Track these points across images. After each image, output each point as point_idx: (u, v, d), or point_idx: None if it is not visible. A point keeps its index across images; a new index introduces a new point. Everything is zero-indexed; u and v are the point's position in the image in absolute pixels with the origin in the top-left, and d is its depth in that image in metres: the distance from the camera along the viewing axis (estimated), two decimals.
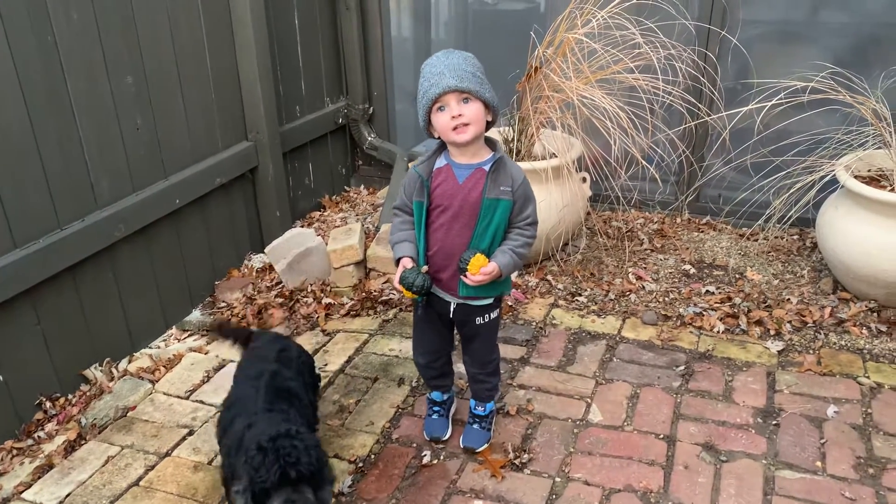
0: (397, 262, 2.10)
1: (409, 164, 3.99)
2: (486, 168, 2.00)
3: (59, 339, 2.63)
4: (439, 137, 2.03)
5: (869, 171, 3.04)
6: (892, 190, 2.86)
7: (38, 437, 2.50)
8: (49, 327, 2.59)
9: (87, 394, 2.69)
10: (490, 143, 2.06)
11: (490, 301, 2.16)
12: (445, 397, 2.44)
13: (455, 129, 1.94)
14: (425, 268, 2.06)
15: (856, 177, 2.92)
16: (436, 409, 2.43)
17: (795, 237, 3.58)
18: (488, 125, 2.02)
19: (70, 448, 2.44)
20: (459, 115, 1.92)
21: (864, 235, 2.84)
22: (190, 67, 3.06)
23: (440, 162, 2.05)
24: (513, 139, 3.27)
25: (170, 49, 2.95)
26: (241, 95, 3.40)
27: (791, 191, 3.09)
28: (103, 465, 2.36)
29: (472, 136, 1.95)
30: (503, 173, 2.00)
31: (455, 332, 2.31)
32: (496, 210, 1.99)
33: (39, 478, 2.32)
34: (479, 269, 1.98)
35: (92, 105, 2.62)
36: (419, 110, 1.98)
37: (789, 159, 3.14)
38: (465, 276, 2.00)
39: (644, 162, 3.05)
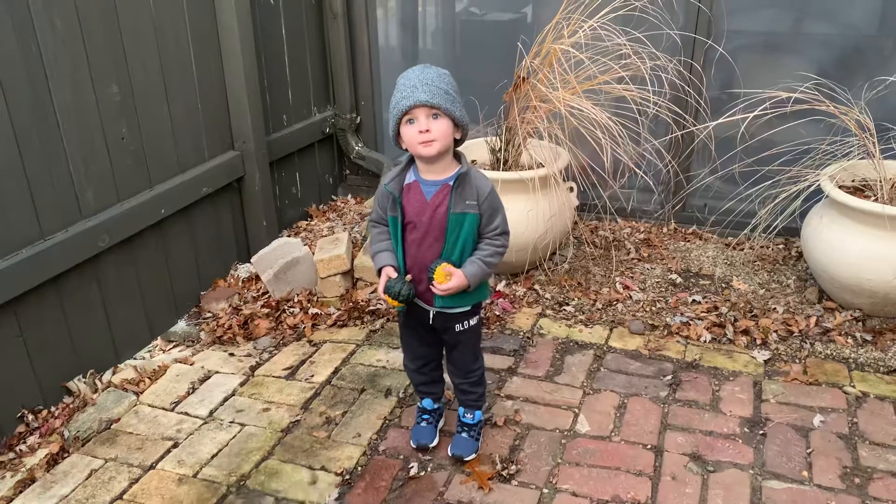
0: (379, 271, 2.13)
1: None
2: (451, 183, 2.03)
3: (41, 351, 2.60)
4: (406, 149, 2.05)
5: (853, 181, 3.07)
6: (876, 200, 2.88)
7: (20, 450, 2.46)
8: (32, 339, 2.55)
9: (71, 406, 2.66)
10: (457, 157, 2.08)
11: (468, 308, 2.18)
12: (436, 406, 2.44)
13: (421, 143, 1.97)
14: (409, 276, 2.09)
15: (840, 187, 2.94)
16: (425, 416, 2.42)
17: (781, 247, 3.60)
18: (457, 142, 2.05)
19: (52, 461, 2.41)
20: (427, 131, 1.95)
21: (848, 245, 2.86)
22: (176, 76, 3.05)
23: (409, 178, 2.07)
24: (500, 149, 3.27)
25: (155, 58, 2.93)
26: (228, 104, 3.38)
27: (776, 200, 3.11)
28: (86, 479, 2.33)
29: (437, 151, 1.98)
30: (468, 187, 2.03)
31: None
32: (463, 224, 2.03)
33: (21, 492, 2.29)
34: (445, 277, 2.02)
35: (76, 114, 2.60)
36: (390, 120, 2.01)
37: (775, 169, 3.16)
38: (432, 285, 2.04)
39: (635, 169, 3.05)
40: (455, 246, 2.05)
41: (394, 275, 2.08)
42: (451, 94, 1.97)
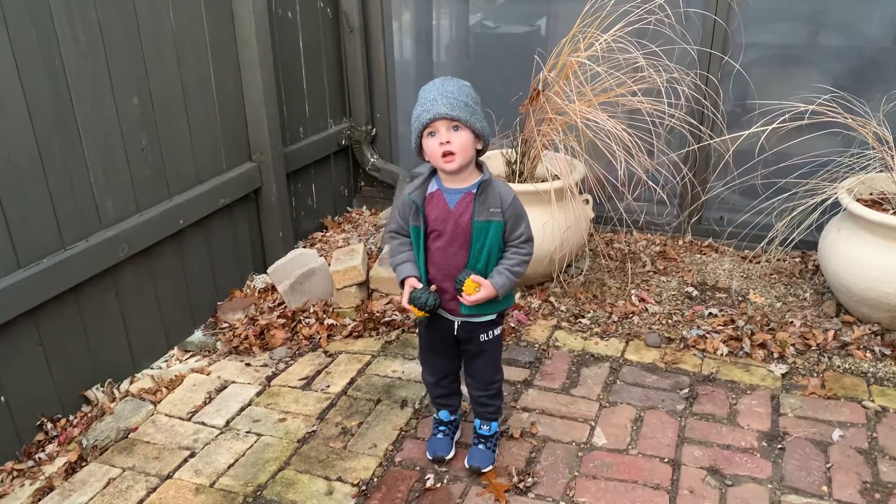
0: (401, 283, 2.13)
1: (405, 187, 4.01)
2: (474, 192, 2.04)
3: (60, 360, 2.62)
4: (429, 161, 2.07)
5: (871, 194, 3.06)
6: (894, 213, 2.86)
7: (39, 458, 2.48)
8: (51, 348, 2.58)
9: (89, 415, 2.68)
10: (479, 166, 2.10)
11: (493, 317, 2.19)
12: (452, 418, 2.44)
13: (443, 156, 1.98)
14: (434, 286, 2.10)
15: (858, 200, 2.93)
16: (441, 428, 2.42)
17: (798, 260, 3.58)
18: (479, 153, 2.07)
19: (71, 470, 2.43)
20: (447, 143, 1.97)
21: (866, 258, 2.84)
22: (195, 89, 3.08)
23: (432, 187, 2.09)
24: (516, 161, 3.28)
25: (175, 70, 2.96)
26: (246, 117, 3.41)
27: (793, 213, 3.10)
28: (104, 488, 2.34)
29: (459, 165, 2.00)
30: (491, 195, 2.04)
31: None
32: (488, 232, 2.04)
33: (40, 500, 2.30)
34: (474, 289, 2.03)
35: (98, 126, 2.64)
36: (412, 133, 2.03)
37: (791, 182, 3.15)
38: (461, 296, 2.06)
39: (650, 183, 3.06)
40: (481, 254, 2.06)
41: (418, 285, 2.09)
42: (472, 105, 1.99)
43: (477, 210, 2.03)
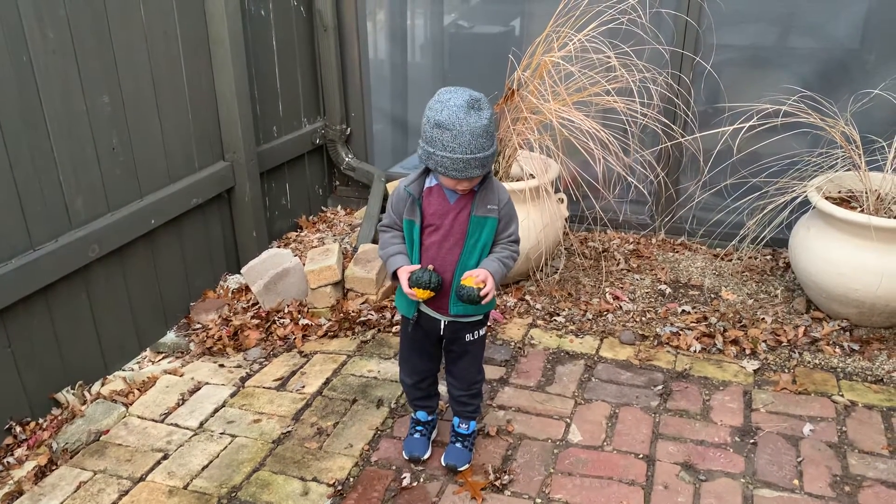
0: (394, 274, 2.10)
1: (390, 183, 4.00)
2: (475, 188, 2.04)
3: (30, 362, 2.58)
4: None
5: (839, 192, 3.11)
6: (862, 211, 2.92)
7: (8, 462, 2.44)
8: (20, 350, 2.53)
9: (59, 418, 2.63)
10: None
11: (480, 317, 2.20)
12: (430, 418, 2.43)
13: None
14: (432, 266, 2.08)
15: (827, 198, 2.98)
16: (419, 428, 2.42)
17: (769, 257, 3.63)
18: None
19: (41, 474, 2.38)
20: (468, 185, 2.00)
21: (835, 255, 2.89)
22: (167, 87, 3.05)
23: (430, 181, 2.07)
24: None
25: (146, 68, 2.93)
26: (218, 115, 3.38)
27: (764, 212, 3.14)
28: (75, 491, 2.30)
29: (471, 188, 2.03)
30: (490, 192, 2.05)
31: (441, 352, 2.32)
32: (484, 227, 2.05)
33: None
34: (476, 284, 2.01)
35: (67, 124, 2.59)
36: (424, 159, 1.96)
37: (762, 181, 3.20)
38: (479, 298, 2.01)
39: (628, 179, 3.08)
40: (474, 249, 2.06)
41: (415, 268, 2.06)
42: (494, 144, 1.96)
43: (476, 205, 2.04)
